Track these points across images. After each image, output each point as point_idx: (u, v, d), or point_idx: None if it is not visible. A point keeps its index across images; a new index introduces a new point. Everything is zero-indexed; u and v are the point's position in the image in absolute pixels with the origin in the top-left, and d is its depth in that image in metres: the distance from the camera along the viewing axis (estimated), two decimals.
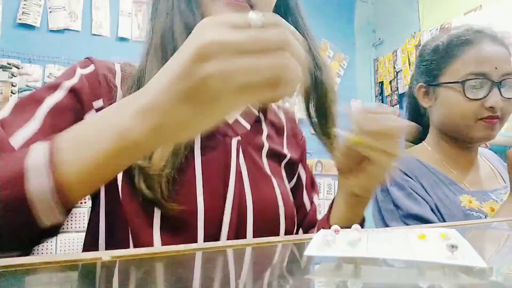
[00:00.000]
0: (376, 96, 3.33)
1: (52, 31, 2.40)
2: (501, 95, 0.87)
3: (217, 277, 0.28)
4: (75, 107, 0.53)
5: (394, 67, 3.13)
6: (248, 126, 0.64)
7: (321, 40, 3.11)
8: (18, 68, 2.25)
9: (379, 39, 3.35)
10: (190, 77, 0.31)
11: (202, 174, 0.55)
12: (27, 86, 2.26)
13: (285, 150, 0.69)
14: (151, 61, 0.55)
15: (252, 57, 0.30)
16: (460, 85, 0.88)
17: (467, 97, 0.87)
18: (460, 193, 0.89)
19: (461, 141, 0.95)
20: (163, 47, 0.55)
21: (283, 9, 0.65)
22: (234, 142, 0.60)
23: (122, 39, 2.57)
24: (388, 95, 3.20)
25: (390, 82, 3.18)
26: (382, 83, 3.29)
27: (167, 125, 0.33)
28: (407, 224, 0.84)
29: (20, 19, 2.32)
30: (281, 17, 0.32)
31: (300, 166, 0.72)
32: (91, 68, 0.57)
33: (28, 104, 0.50)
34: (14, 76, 2.23)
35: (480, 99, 0.87)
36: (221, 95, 0.31)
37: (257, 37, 0.31)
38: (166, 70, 0.33)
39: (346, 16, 3.32)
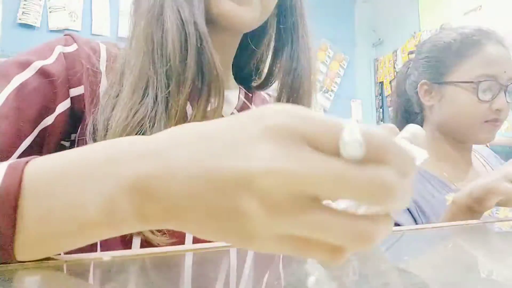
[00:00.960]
0: (376, 96, 3.33)
1: (52, 31, 2.39)
2: (506, 98, 0.87)
3: (221, 276, 0.28)
4: (46, 93, 0.45)
5: (394, 67, 3.13)
6: None
7: (321, 40, 3.11)
8: None
9: (379, 39, 3.34)
10: (225, 204, 0.20)
11: None
12: None
13: None
14: (132, 54, 0.47)
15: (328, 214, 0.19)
16: (473, 85, 0.87)
17: (479, 99, 0.87)
18: (447, 191, 0.90)
19: (460, 141, 0.95)
20: (147, 37, 0.46)
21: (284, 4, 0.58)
22: None
23: (122, 39, 2.57)
24: (388, 95, 3.20)
25: (390, 82, 3.18)
26: (382, 83, 3.29)
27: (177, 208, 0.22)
28: None
29: (20, 19, 2.32)
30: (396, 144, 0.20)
31: None
32: (73, 47, 0.49)
33: None
34: None
35: (489, 101, 0.87)
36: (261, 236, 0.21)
37: (347, 181, 0.19)
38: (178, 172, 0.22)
39: (346, 16, 3.32)
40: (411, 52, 2.85)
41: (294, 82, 0.56)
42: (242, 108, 0.60)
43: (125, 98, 0.45)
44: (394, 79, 3.15)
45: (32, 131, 0.44)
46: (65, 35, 0.51)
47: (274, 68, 0.61)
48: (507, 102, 0.88)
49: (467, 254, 0.41)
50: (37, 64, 0.46)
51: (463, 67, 0.90)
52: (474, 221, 0.68)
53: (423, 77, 0.96)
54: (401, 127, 0.99)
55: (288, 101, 0.56)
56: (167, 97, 0.44)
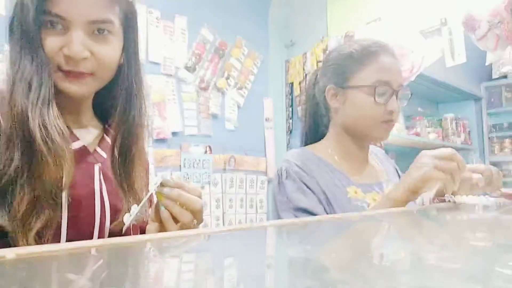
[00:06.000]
0: (286, 96, 3.47)
1: None
2: (397, 101, 1.01)
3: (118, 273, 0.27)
4: None
5: (304, 69, 3.29)
6: (104, 155, 0.75)
7: (236, 37, 3.14)
8: None
9: (291, 40, 3.49)
10: None
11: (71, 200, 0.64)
12: None
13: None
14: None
15: None
16: (371, 89, 0.99)
17: (376, 101, 0.99)
18: (348, 184, 1.01)
19: (359, 139, 1.07)
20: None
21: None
22: (97, 168, 0.72)
23: None
24: (297, 95, 3.36)
25: (300, 83, 3.34)
26: (292, 84, 3.43)
27: None
28: (296, 216, 0.93)
29: None
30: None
31: None
32: None
33: None
34: None
35: (383, 103, 1.00)
36: None
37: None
38: None
39: (261, 17, 3.40)
40: (320, 61, 3.03)
41: (128, 121, 0.72)
42: (99, 139, 0.77)
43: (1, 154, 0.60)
44: (303, 80, 3.31)
45: None
46: None
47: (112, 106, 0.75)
48: (397, 105, 1.02)
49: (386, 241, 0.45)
50: None
51: (362, 74, 1.02)
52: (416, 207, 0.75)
53: (330, 82, 1.08)
54: (310, 128, 1.10)
55: (123, 136, 0.72)
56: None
